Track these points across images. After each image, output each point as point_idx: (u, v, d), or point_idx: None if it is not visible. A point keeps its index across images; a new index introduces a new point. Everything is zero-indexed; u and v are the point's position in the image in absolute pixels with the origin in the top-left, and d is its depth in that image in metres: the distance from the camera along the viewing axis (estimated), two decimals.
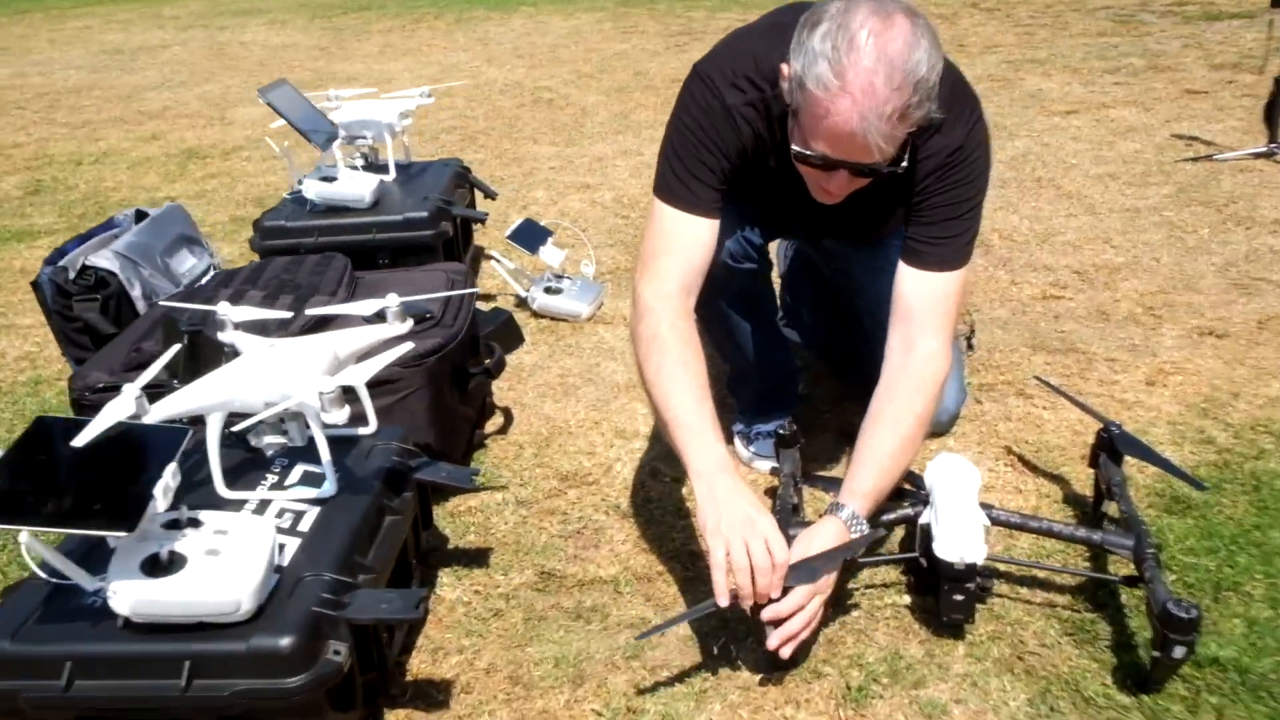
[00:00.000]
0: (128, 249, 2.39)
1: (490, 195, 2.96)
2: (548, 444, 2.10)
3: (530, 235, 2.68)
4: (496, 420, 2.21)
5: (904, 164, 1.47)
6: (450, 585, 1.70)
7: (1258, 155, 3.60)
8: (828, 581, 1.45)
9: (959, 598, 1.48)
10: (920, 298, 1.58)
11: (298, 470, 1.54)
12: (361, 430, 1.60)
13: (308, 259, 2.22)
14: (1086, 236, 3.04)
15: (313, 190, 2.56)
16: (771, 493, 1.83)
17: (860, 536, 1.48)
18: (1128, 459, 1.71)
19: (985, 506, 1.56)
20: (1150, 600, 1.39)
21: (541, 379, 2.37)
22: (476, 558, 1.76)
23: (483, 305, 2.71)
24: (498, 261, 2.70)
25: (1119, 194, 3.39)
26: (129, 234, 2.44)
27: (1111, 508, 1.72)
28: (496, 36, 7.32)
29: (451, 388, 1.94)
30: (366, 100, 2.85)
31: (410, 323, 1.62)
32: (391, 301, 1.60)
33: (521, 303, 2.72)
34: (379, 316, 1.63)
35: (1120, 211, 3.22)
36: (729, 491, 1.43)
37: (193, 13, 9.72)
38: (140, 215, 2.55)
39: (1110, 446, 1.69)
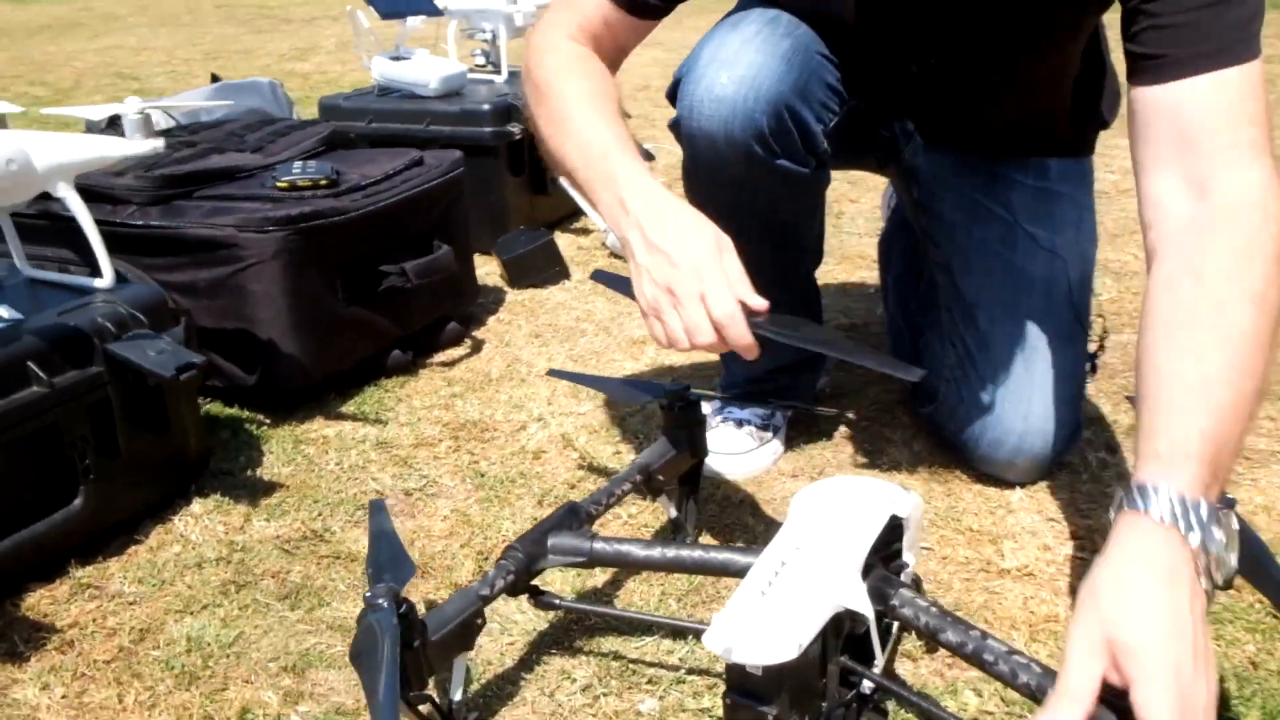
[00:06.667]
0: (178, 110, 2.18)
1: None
2: (479, 387, 1.58)
3: None
4: (452, 352, 1.72)
5: None
6: (190, 519, 1.25)
7: None
8: None
9: None
10: (1201, 110, 0.86)
11: None
12: (96, 281, 1.20)
13: (301, 123, 1.88)
14: None
15: (378, 69, 2.21)
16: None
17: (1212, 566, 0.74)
18: None
19: (887, 585, 0.83)
20: None
21: (551, 319, 1.85)
22: (253, 490, 1.29)
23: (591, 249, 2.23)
24: (567, 183, 2.19)
25: None
26: (191, 93, 2.24)
27: None
28: None
29: (333, 279, 1.48)
30: None
31: (157, 143, 1.18)
32: (129, 108, 1.18)
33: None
34: (114, 126, 1.22)
35: None
36: (672, 219, 0.93)
37: None
38: (214, 79, 2.34)
39: None
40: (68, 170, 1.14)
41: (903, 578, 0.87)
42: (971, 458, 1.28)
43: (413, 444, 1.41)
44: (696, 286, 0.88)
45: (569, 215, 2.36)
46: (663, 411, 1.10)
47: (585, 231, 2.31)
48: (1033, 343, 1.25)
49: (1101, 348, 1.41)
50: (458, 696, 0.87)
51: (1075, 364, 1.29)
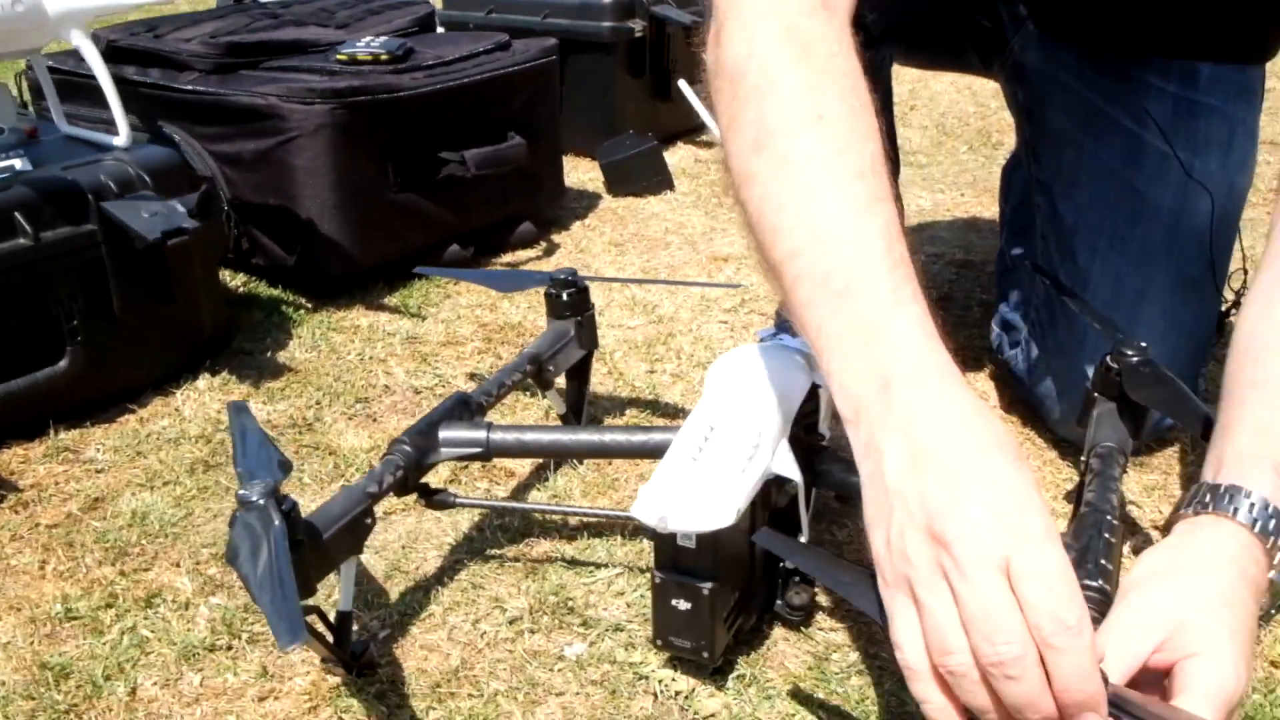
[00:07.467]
0: None
1: None
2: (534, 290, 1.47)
3: None
4: (521, 254, 1.61)
5: None
6: (192, 395, 1.20)
7: None
8: None
9: (683, 606, 0.70)
10: None
11: None
12: (114, 140, 1.16)
13: (400, 3, 1.80)
14: None
15: None
16: None
17: None
18: None
19: (810, 451, 0.74)
20: None
21: (639, 229, 1.71)
22: (263, 372, 1.23)
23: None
24: (688, 89, 2.03)
25: None
26: None
27: None
28: None
29: (384, 161, 1.40)
30: None
31: None
32: None
33: None
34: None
35: None
36: (964, 425, 0.52)
37: None
38: None
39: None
40: (79, 16, 1.09)
41: None
42: (1048, 420, 1.07)
43: (441, 341, 1.32)
44: (1000, 547, 0.48)
45: (694, 128, 2.20)
46: (547, 300, 1.02)
47: (708, 144, 2.15)
48: (1141, 286, 1.02)
49: (1236, 305, 1.14)
50: (347, 607, 0.77)
51: (1197, 320, 1.05)
